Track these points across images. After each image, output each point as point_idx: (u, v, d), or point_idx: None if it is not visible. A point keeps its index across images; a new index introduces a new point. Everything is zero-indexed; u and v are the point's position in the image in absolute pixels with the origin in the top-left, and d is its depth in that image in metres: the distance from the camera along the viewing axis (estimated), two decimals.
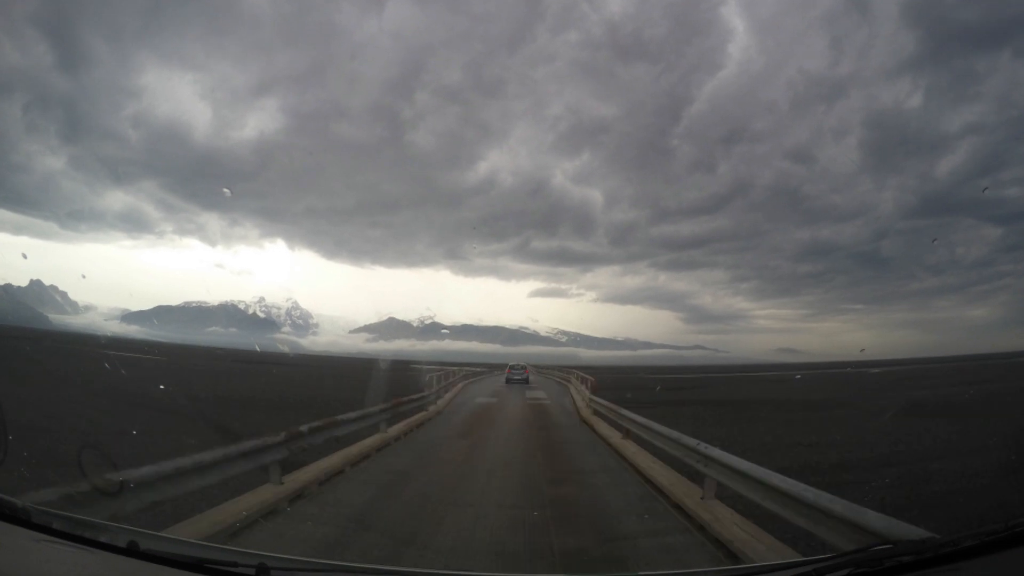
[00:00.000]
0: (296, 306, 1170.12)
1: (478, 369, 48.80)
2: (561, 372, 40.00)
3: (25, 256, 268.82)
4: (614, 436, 10.00)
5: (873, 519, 2.96)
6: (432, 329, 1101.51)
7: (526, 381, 30.50)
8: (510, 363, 34.22)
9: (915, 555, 1.67)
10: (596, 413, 13.01)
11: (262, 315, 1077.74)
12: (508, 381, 30.25)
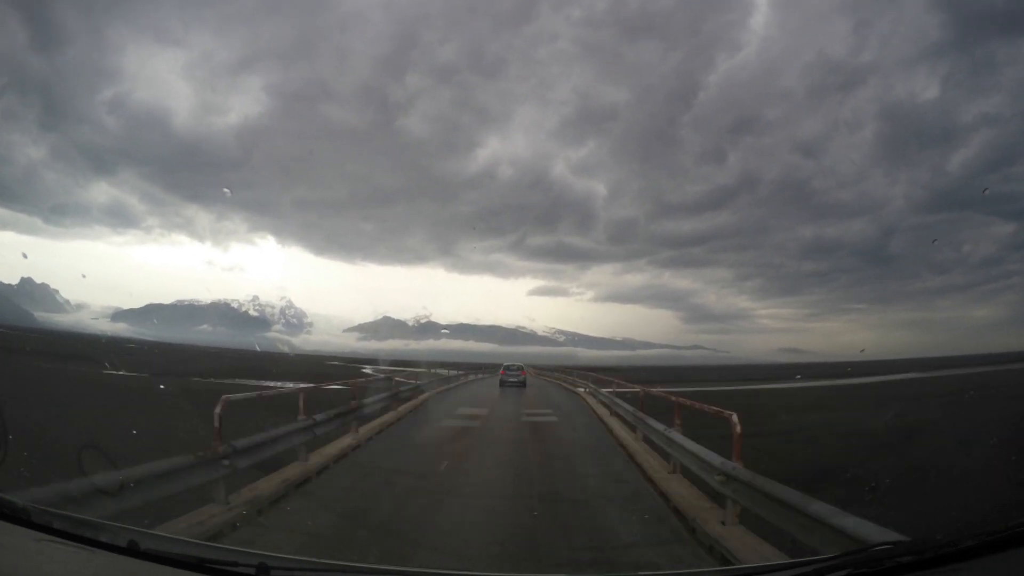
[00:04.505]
0: (290, 305, 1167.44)
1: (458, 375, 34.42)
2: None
3: (25, 256, 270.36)
4: None
5: None
6: (428, 328, 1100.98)
7: (523, 384, 28.39)
8: (505, 364, 31.78)
9: (915, 555, 1.68)
10: None
11: (255, 314, 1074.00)
12: (503, 384, 28.16)
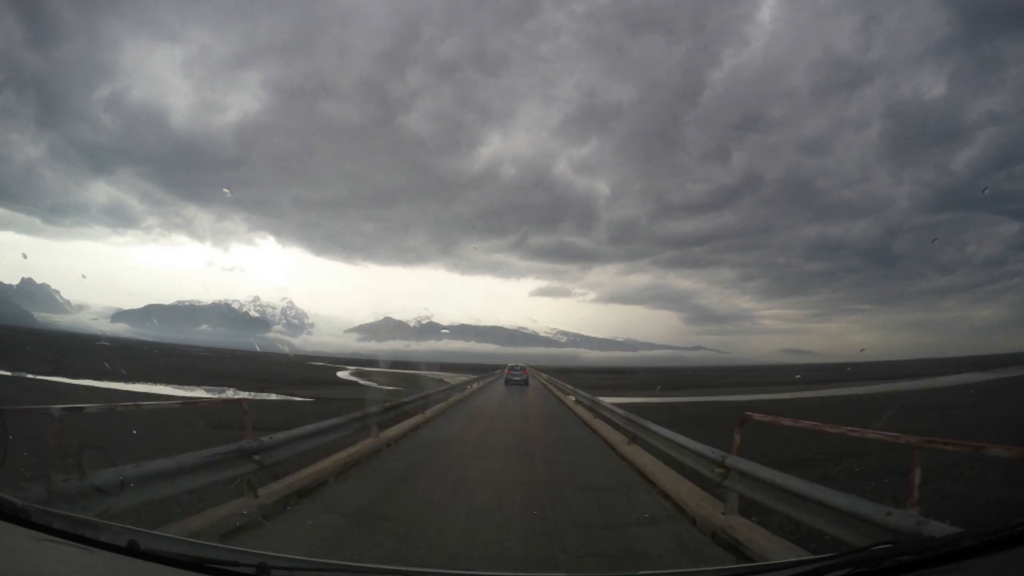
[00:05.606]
0: (291, 305, 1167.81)
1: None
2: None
3: (25, 256, 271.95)
4: None
5: None
6: (429, 329, 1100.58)
7: (525, 382, 33.04)
8: (509, 364, 38.10)
9: (915, 555, 1.68)
10: None
11: (256, 314, 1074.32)
12: (507, 382, 32.87)
